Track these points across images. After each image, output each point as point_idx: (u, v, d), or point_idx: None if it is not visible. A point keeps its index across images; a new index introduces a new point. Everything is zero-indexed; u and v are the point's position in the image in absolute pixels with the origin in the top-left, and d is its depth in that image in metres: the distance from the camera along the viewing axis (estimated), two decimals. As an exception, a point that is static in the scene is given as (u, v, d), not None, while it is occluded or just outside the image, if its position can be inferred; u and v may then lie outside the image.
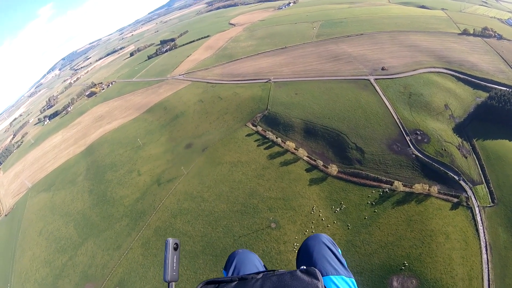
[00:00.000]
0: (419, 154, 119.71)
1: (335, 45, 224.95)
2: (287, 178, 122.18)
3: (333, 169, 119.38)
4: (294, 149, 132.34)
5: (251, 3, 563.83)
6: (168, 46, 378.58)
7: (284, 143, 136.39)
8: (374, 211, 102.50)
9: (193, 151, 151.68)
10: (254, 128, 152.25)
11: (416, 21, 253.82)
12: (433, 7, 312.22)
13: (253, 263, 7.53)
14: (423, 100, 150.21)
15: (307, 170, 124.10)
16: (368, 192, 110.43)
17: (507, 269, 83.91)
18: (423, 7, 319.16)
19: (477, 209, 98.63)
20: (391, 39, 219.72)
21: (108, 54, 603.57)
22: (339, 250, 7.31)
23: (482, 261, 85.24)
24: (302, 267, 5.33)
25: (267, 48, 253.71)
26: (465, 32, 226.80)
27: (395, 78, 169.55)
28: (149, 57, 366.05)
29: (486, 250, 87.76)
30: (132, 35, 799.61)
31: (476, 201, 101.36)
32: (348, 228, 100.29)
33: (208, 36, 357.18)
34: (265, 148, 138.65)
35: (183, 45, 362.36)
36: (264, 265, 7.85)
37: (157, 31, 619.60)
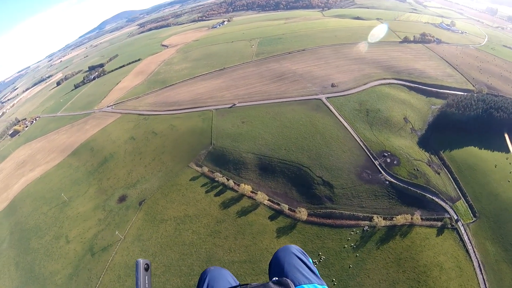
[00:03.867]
0: (392, 180, 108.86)
1: (278, 63, 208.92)
2: (249, 232, 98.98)
3: (303, 213, 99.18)
4: (251, 192, 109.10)
5: (184, 23, 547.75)
6: (96, 73, 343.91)
7: (238, 185, 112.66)
8: (356, 255, 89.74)
9: (128, 206, 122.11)
10: (198, 169, 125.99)
11: (355, 32, 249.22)
12: (368, 18, 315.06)
13: (226, 279, 7.19)
14: (382, 116, 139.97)
15: (271, 218, 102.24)
16: (347, 234, 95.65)
17: (503, 282, 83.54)
18: (358, 18, 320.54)
19: (462, 228, 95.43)
20: (335, 53, 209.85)
21: (35, 84, 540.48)
22: (310, 260, 7.26)
23: (479, 282, 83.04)
24: (274, 278, 5.46)
25: (204, 71, 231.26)
26: (406, 40, 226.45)
27: (348, 94, 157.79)
28: (76, 86, 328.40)
29: (480, 270, 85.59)
30: (61, 61, 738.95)
31: (459, 219, 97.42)
32: (334, 284, 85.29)
33: (139, 59, 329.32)
34: (216, 194, 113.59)
35: (113, 70, 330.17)
36: (236, 281, 7.41)
37: (87, 56, 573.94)
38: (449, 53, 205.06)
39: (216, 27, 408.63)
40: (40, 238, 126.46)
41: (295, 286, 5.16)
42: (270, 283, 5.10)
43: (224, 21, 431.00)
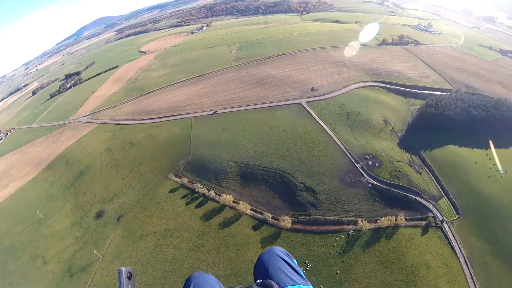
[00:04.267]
0: (375, 182, 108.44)
1: (257, 68, 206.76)
2: (232, 244, 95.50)
3: (287, 221, 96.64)
4: (233, 202, 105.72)
5: (162, 29, 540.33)
6: (73, 81, 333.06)
7: (219, 195, 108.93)
8: (343, 261, 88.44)
9: (106, 223, 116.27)
10: (178, 180, 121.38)
11: (335, 36, 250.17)
12: (347, 21, 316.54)
13: (211, 284, 7.04)
14: (362, 119, 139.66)
15: (255, 228, 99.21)
16: (332, 239, 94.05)
17: (490, 275, 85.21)
18: (337, 22, 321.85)
19: (446, 225, 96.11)
20: (314, 57, 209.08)
21: (11, 94, 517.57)
22: (295, 261, 7.24)
23: (466, 277, 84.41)
24: (258, 281, 5.57)
25: (183, 77, 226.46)
26: (384, 42, 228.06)
27: (328, 98, 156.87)
28: (52, 96, 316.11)
29: (467, 265, 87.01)
30: (37, 69, 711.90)
31: (443, 217, 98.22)
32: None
33: (116, 66, 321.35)
34: (197, 206, 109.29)
35: (89, 78, 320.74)
36: (221, 285, 7.32)
37: (63, 64, 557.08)
38: (427, 54, 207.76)
39: (195, 32, 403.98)
40: (16, 259, 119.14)
41: None
42: (254, 286, 5.09)
43: (203, 26, 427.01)
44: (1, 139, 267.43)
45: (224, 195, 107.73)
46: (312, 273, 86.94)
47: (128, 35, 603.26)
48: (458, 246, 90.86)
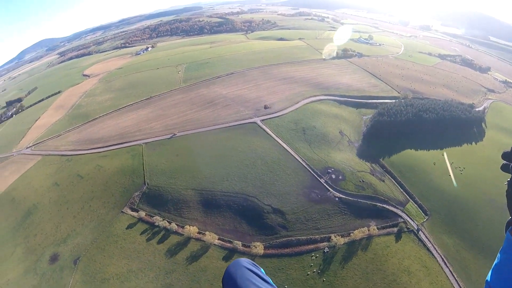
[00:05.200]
0: (341, 195, 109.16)
1: (207, 89, 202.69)
2: (204, 279, 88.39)
3: (259, 247, 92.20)
4: (198, 233, 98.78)
5: (106, 50, 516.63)
6: (14, 109, 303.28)
7: (182, 227, 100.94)
8: (323, 280, 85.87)
9: (62, 267, 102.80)
10: (135, 214, 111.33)
11: (281, 53, 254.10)
12: (291, 38, 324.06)
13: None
14: (318, 133, 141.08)
15: (226, 258, 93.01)
16: (308, 260, 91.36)
17: (468, 269, 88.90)
18: (281, 39, 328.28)
19: (415, 226, 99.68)
20: (263, 75, 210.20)
21: None
22: (262, 270, 7.21)
23: (447, 275, 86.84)
24: None
25: (130, 101, 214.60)
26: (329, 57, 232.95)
27: (282, 115, 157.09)
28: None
29: (445, 263, 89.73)
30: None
31: (413, 221, 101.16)
32: (309, 315, 79.69)
33: (59, 92, 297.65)
34: (159, 242, 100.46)
35: (31, 105, 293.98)
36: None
37: (5, 90, 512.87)
38: (371, 65, 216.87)
39: (140, 53, 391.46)
40: None
41: None
42: None
43: (148, 47, 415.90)
44: None
45: (187, 226, 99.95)
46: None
47: (71, 58, 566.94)
48: (433, 247, 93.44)
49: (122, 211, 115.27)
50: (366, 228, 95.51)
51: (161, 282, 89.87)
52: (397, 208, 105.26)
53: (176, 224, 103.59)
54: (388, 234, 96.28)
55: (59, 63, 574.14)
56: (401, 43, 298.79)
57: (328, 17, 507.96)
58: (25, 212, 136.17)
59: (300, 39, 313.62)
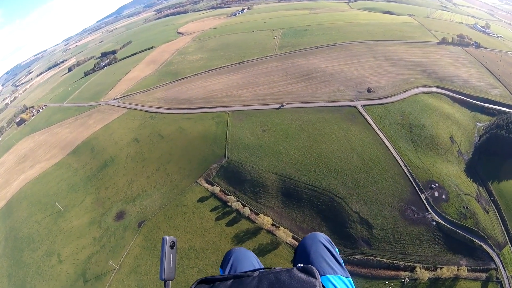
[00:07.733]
0: (440, 221, 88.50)
1: (304, 59, 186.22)
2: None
3: (335, 260, 79.03)
4: (272, 225, 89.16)
5: (202, 10, 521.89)
6: (108, 60, 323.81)
7: (256, 215, 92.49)
8: None
9: (126, 227, 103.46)
10: (209, 187, 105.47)
11: (389, 29, 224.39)
12: (399, 13, 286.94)
13: (250, 261, 7.00)
14: (427, 135, 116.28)
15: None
16: (382, 286, 78.55)
17: None
18: (389, 12, 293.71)
19: (506, 281, 78.82)
20: (368, 51, 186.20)
21: (49, 68, 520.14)
22: (337, 250, 6.93)
23: None
24: (299, 265, 5.21)
25: (221, 63, 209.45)
26: (444, 41, 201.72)
27: (387, 103, 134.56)
28: (86, 74, 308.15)
29: None
30: (76, 45, 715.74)
31: (505, 271, 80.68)
32: None
33: (152, 47, 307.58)
34: (228, 224, 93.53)
35: (124, 58, 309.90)
36: (260, 264, 7.29)
37: (102, 41, 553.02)
38: (489, 60, 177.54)
39: (235, 14, 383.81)
40: (32, 251, 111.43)
41: (320, 276, 4.76)
42: (295, 269, 4.72)
43: (244, 9, 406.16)
44: (33, 115, 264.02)
45: (261, 215, 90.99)
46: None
47: (167, 15, 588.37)
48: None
49: (196, 181, 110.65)
50: (456, 267, 78.94)
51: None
52: (494, 250, 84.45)
53: (250, 209, 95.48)
54: (475, 279, 78.84)
55: (155, 20, 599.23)
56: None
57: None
58: (102, 163, 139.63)
59: (409, 15, 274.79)
